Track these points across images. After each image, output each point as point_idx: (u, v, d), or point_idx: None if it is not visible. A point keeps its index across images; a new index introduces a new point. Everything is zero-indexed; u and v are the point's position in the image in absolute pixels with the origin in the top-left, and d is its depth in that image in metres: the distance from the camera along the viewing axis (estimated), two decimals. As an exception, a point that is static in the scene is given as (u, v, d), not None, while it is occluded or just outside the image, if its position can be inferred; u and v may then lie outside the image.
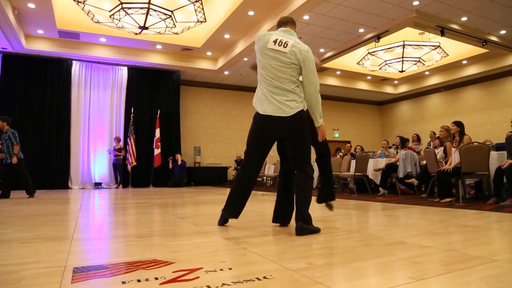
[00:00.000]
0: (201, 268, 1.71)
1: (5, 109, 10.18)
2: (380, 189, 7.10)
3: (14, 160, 6.59)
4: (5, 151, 6.70)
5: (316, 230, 2.69)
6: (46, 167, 10.53)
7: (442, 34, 9.10)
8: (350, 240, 2.47)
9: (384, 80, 15.13)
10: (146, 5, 7.63)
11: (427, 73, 13.79)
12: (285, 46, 2.67)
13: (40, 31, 9.92)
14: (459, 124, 5.50)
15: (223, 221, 3.01)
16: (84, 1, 7.68)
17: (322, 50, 11.01)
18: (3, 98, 10.39)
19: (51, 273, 1.67)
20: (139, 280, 1.53)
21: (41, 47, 10.34)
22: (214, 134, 14.03)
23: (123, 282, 1.51)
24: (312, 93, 2.72)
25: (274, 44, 2.68)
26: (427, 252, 2.06)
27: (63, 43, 10.52)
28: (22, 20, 9.17)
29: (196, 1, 7.71)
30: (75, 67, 11.45)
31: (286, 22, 2.87)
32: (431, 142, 8.11)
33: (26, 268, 1.75)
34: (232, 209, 2.92)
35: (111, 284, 1.50)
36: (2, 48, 10.19)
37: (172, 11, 7.97)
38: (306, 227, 2.62)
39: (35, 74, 10.84)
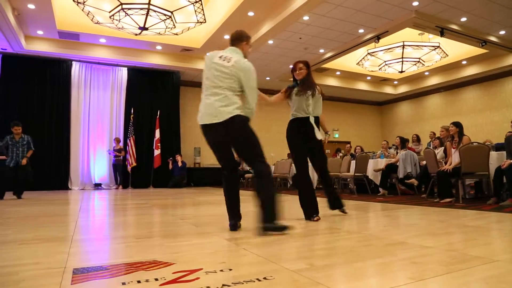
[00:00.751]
0: (201, 269, 1.71)
1: (5, 110, 10.21)
2: (380, 189, 7.09)
3: (24, 161, 6.92)
4: (20, 155, 6.94)
5: (279, 228, 2.64)
6: (46, 168, 10.50)
7: (442, 34, 9.11)
8: (351, 240, 2.47)
9: (384, 81, 15.13)
10: (146, 6, 7.63)
11: (426, 73, 13.80)
12: (228, 61, 2.84)
13: (40, 32, 9.92)
14: (458, 124, 5.50)
15: (234, 227, 2.89)
16: (84, 2, 7.68)
17: (322, 51, 11.01)
18: (3, 99, 10.38)
19: (51, 274, 1.66)
20: (139, 281, 1.53)
21: (41, 47, 10.33)
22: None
23: (123, 283, 1.51)
24: (254, 104, 2.90)
25: (219, 59, 2.88)
26: (428, 252, 2.05)
27: (63, 43, 10.51)
28: (22, 20, 9.17)
29: (196, 2, 7.71)
30: (75, 67, 11.44)
31: (234, 40, 3.02)
32: (431, 142, 8.11)
33: (25, 269, 1.75)
34: (234, 218, 2.93)
35: (111, 285, 1.50)
36: (1, 49, 10.18)
37: (172, 12, 7.97)
38: (267, 226, 2.64)
39: (35, 74, 10.83)
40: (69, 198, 7.44)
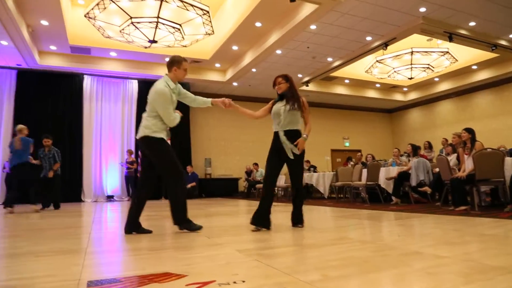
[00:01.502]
0: (214, 281, 1.70)
1: (20, 123, 10.37)
2: (393, 198, 7.00)
3: (51, 174, 7.25)
4: (47, 167, 7.29)
5: (191, 228, 3.39)
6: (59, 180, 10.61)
7: (451, 40, 9.06)
8: (364, 250, 2.44)
9: (393, 88, 15.06)
10: (155, 19, 7.75)
11: (436, 79, 13.70)
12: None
13: (53, 47, 10.15)
14: (470, 131, 5.43)
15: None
16: (95, 17, 7.83)
17: (330, 59, 11.03)
18: (18, 113, 10.63)
19: (66, 286, 1.67)
20: (152, 294, 1.52)
21: (54, 62, 10.57)
22: (225, 146, 14.07)
23: (137, 296, 1.51)
24: (171, 123, 3.50)
25: None
26: (444, 262, 2.01)
27: (75, 58, 10.73)
28: (35, 36, 9.40)
29: (203, 14, 7.80)
30: (87, 81, 11.65)
31: (167, 68, 3.54)
32: (443, 149, 8.01)
33: (41, 282, 1.76)
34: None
35: (125, 298, 1.50)
36: (17, 64, 10.45)
37: (180, 25, 8.08)
38: (182, 226, 3.39)
39: (48, 88, 11.06)
40: (82, 210, 7.50)
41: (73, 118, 11.27)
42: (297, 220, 3.65)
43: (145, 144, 3.40)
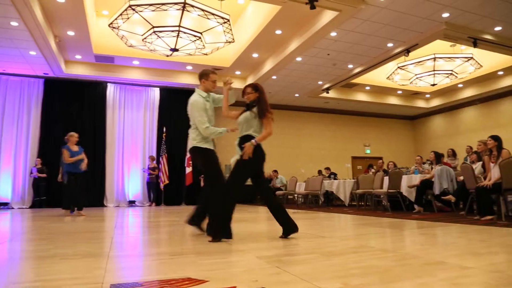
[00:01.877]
0: (235, 286, 1.70)
1: (47, 129, 10.85)
2: (415, 206, 6.86)
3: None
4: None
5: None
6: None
7: (475, 45, 8.86)
8: (386, 259, 2.40)
9: (416, 94, 14.82)
10: (177, 28, 7.89)
11: (460, 85, 13.40)
12: None
13: (78, 56, 10.48)
14: (496, 138, 5.28)
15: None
16: (119, 27, 8.04)
17: (350, 66, 10.96)
18: (46, 120, 11.05)
19: (90, 290, 1.71)
20: (174, 298, 1.54)
21: (79, 71, 10.91)
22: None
23: (159, 300, 1.53)
24: (203, 132, 3.59)
25: None
26: (469, 273, 1.96)
27: (99, 66, 11.05)
28: (62, 46, 9.74)
29: (224, 22, 7.90)
30: (110, 89, 11.95)
31: (199, 79, 3.92)
32: (468, 157, 7.81)
33: (66, 284, 1.81)
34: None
35: (147, 302, 1.52)
36: (44, 73, 10.83)
37: (201, 33, 8.20)
38: (213, 240, 3.19)
39: (73, 96, 11.42)
40: (104, 215, 7.65)
41: (97, 124, 11.56)
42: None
43: (195, 154, 3.69)
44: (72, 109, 11.35)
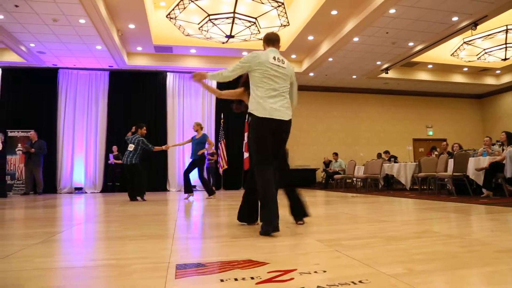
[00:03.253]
0: (295, 269, 1.71)
1: (113, 119, 11.56)
2: (484, 190, 6.40)
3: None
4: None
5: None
6: (147, 171, 11.53)
7: (559, 12, 7.91)
8: (451, 245, 2.27)
9: (484, 71, 13.67)
10: (232, 15, 7.94)
11: (539, 58, 12.10)
12: (282, 62, 3.09)
13: (139, 48, 10.98)
14: None
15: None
16: (176, 17, 8.27)
17: (411, 44, 10.32)
18: (110, 109, 11.82)
19: (157, 268, 1.81)
20: (236, 279, 1.58)
21: (140, 62, 11.46)
22: (300, 136, 13.96)
23: (221, 280, 1.58)
24: (295, 105, 3.31)
25: (275, 60, 3.05)
26: (552, 262, 1.79)
27: (158, 57, 11.51)
28: (124, 39, 10.25)
29: (278, 6, 7.80)
30: (169, 78, 12.40)
31: (275, 42, 3.22)
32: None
33: (135, 263, 1.93)
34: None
35: (211, 281, 1.58)
36: (109, 66, 11.51)
37: (256, 18, 8.18)
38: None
39: (135, 87, 12.04)
40: (168, 199, 8.04)
41: (158, 112, 12.10)
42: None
43: (288, 127, 3.14)
44: (135, 99, 11.97)
